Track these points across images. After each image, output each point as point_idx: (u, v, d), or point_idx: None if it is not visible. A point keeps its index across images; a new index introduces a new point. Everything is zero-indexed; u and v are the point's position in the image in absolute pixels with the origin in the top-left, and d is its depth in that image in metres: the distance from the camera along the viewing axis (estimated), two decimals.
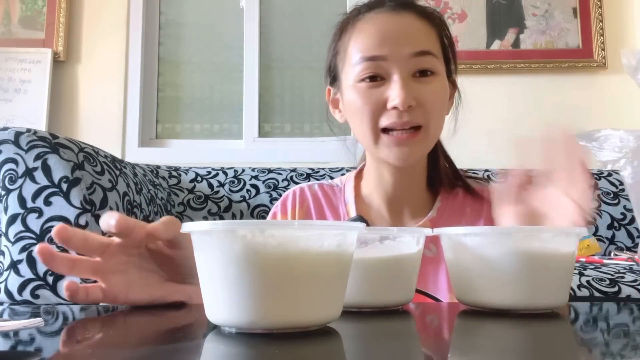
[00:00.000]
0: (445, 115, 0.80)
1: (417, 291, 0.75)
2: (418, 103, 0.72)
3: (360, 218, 0.73)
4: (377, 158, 0.79)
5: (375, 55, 0.73)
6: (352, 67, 0.75)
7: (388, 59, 0.72)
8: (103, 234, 0.54)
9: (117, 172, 1.21)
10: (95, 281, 0.53)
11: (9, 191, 1.04)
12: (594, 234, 1.65)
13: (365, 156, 0.87)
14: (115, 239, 0.53)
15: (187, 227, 0.38)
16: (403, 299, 0.50)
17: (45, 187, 1.04)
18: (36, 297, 1.01)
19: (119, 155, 2.13)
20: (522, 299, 0.45)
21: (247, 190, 1.69)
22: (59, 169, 1.05)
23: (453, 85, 0.84)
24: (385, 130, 0.73)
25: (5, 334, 0.37)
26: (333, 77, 0.83)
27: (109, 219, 0.51)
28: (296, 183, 1.69)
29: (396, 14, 0.75)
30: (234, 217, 1.65)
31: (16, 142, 1.05)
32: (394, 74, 0.72)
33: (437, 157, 0.84)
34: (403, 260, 0.49)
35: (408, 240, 0.50)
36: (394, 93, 0.71)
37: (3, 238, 1.04)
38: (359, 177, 0.89)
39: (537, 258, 0.45)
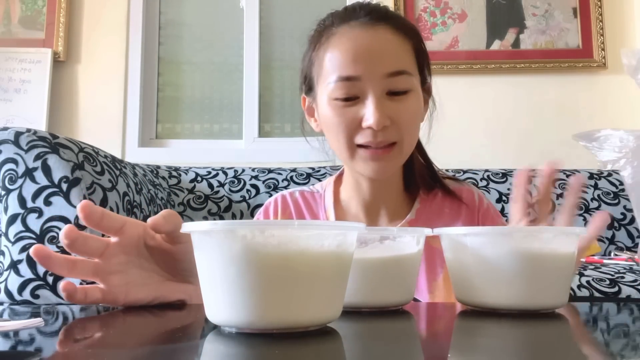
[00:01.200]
0: (419, 128, 0.80)
1: None
2: (392, 122, 0.72)
3: None
4: (354, 170, 0.80)
5: (349, 76, 0.72)
6: (327, 83, 0.75)
7: (362, 79, 0.72)
8: (103, 234, 0.54)
9: (117, 172, 1.21)
10: (94, 282, 0.53)
11: (9, 191, 1.04)
12: None
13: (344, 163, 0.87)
14: (113, 239, 0.53)
15: (187, 227, 0.38)
16: (403, 299, 0.50)
17: (45, 187, 1.04)
18: (36, 297, 1.01)
19: (119, 155, 2.13)
20: (522, 299, 0.45)
21: (247, 190, 1.69)
22: (59, 169, 1.05)
23: (427, 93, 0.83)
24: (361, 145, 0.74)
25: (5, 334, 0.36)
26: (309, 87, 0.83)
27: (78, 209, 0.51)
28: (296, 183, 1.69)
29: (371, 28, 0.74)
30: (234, 217, 1.65)
31: (16, 142, 1.05)
32: (369, 93, 0.72)
33: (413, 159, 0.84)
34: (403, 260, 0.49)
35: (408, 240, 0.50)
36: (369, 113, 0.71)
37: (3, 238, 1.04)
38: (338, 182, 0.90)
39: (537, 258, 0.45)
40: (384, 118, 0.71)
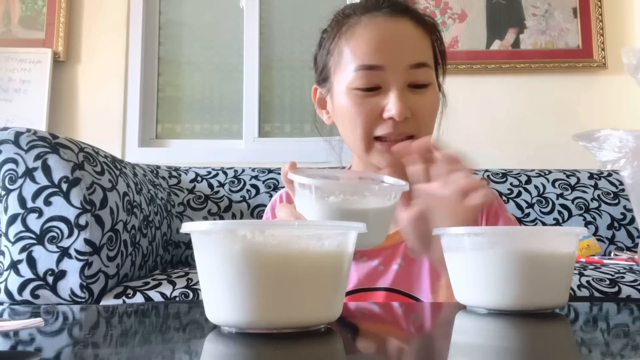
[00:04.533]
0: (434, 123, 0.79)
1: (397, 292, 0.75)
2: (412, 114, 0.72)
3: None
4: (368, 163, 0.79)
5: (372, 65, 0.72)
6: (347, 72, 0.74)
7: (385, 69, 0.71)
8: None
9: (117, 172, 1.21)
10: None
11: (9, 191, 1.04)
12: (594, 234, 1.65)
13: (352, 158, 0.86)
14: None
15: (187, 227, 0.38)
16: (377, 241, 0.56)
17: (45, 187, 1.04)
18: (36, 297, 1.01)
19: (119, 155, 2.13)
20: (522, 298, 0.45)
21: (247, 190, 1.69)
22: (59, 169, 1.05)
23: (438, 89, 0.82)
24: (378, 137, 0.73)
25: (5, 334, 0.37)
26: (323, 77, 0.81)
27: None
28: None
29: (393, 19, 0.74)
30: (234, 217, 1.65)
31: (16, 142, 1.05)
32: (391, 84, 0.71)
33: None
34: (383, 210, 0.54)
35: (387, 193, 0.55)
36: (391, 104, 0.70)
37: (3, 238, 1.04)
38: None
39: (537, 258, 0.45)
40: (406, 109, 0.70)
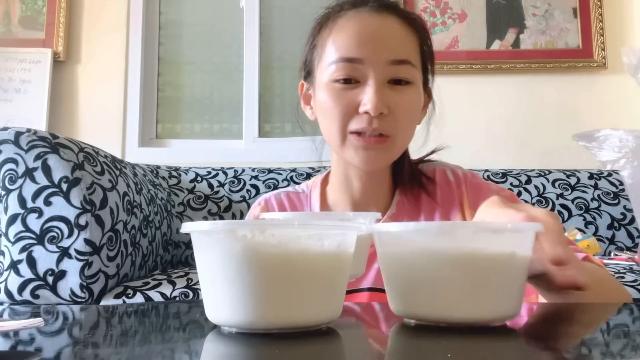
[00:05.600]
0: (415, 126, 0.78)
1: (380, 290, 0.74)
2: (390, 111, 0.71)
3: None
4: (344, 160, 0.78)
5: (352, 57, 0.71)
6: (328, 65, 0.73)
7: (365, 62, 0.71)
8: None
9: (117, 172, 1.21)
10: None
11: (9, 191, 1.04)
12: (594, 234, 1.65)
13: (332, 161, 0.85)
14: None
15: (187, 227, 0.38)
16: (359, 271, 0.53)
17: (45, 187, 1.04)
18: (36, 297, 1.01)
19: (119, 155, 2.13)
20: (463, 310, 0.37)
21: (247, 190, 1.69)
22: (59, 169, 1.05)
23: (428, 95, 0.81)
24: (353, 132, 0.72)
25: (5, 334, 0.37)
26: (307, 71, 0.81)
27: None
28: (296, 183, 1.69)
29: (378, 15, 0.73)
30: (234, 217, 1.65)
31: (16, 142, 1.05)
32: (369, 78, 0.70)
33: (403, 162, 0.82)
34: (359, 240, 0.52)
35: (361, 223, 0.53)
36: (367, 98, 0.69)
37: (3, 238, 1.04)
38: (325, 182, 0.87)
39: (479, 261, 0.37)
40: (382, 105, 0.69)
